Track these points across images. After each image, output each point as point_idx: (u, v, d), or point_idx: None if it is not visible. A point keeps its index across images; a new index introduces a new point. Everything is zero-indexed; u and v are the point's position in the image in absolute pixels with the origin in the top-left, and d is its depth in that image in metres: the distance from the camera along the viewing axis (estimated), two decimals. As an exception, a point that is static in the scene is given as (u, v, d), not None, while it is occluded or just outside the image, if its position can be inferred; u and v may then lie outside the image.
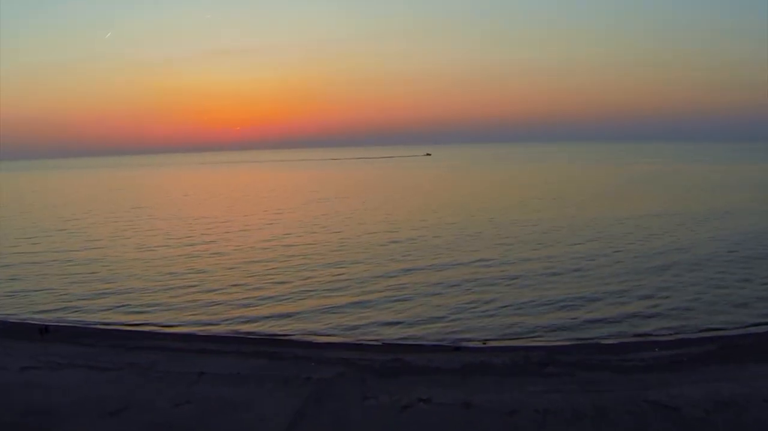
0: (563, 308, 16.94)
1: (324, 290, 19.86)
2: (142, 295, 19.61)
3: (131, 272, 23.06)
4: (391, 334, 15.40)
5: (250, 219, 38.86)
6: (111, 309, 18.18)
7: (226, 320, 17.02)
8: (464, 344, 14.45)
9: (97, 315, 17.71)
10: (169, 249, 28.11)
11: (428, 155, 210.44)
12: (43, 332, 15.12)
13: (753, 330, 14.88)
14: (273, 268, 23.35)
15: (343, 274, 22.00)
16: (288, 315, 17.20)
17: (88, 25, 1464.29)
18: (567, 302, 17.47)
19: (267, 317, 17.08)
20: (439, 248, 26.61)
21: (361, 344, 14.75)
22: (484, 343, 14.47)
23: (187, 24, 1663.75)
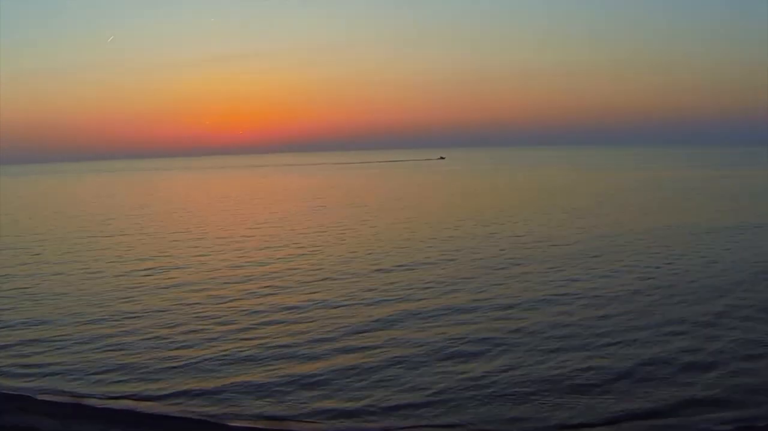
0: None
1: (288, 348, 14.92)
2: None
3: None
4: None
5: (236, 231, 34.96)
6: None
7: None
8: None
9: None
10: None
11: (442, 158, 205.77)
12: None
13: None
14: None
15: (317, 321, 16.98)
16: (239, 389, 12.47)
17: (91, 29, 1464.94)
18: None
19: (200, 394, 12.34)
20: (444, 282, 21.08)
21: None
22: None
23: (193, 28, 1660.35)
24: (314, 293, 20.09)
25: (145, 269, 24.80)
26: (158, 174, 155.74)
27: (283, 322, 16.85)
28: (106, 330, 16.54)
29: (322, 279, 22.11)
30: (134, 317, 17.67)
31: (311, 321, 16.85)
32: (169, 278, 23.03)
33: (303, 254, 27.47)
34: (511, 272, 22.52)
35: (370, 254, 26.97)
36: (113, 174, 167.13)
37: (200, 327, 16.51)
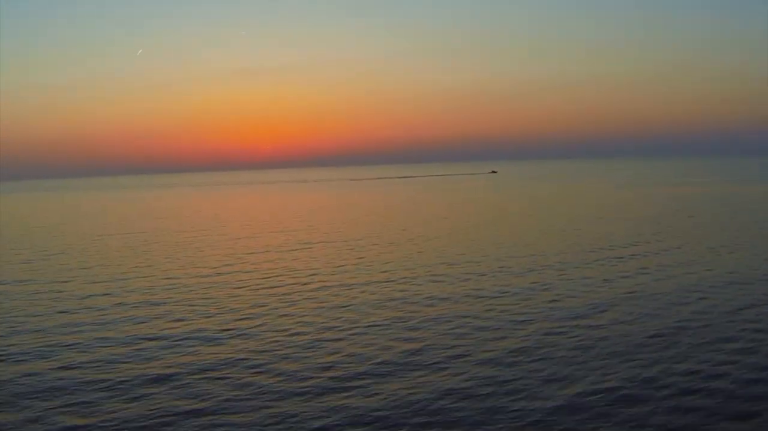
0: None
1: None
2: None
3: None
4: None
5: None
6: None
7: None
8: None
9: None
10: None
11: (494, 172, 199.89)
12: None
13: None
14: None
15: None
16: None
17: (120, 42, 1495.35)
18: None
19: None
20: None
21: None
22: None
23: (222, 41, 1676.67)
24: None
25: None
26: (211, 191, 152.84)
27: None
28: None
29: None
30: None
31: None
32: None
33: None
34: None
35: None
36: (169, 190, 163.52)
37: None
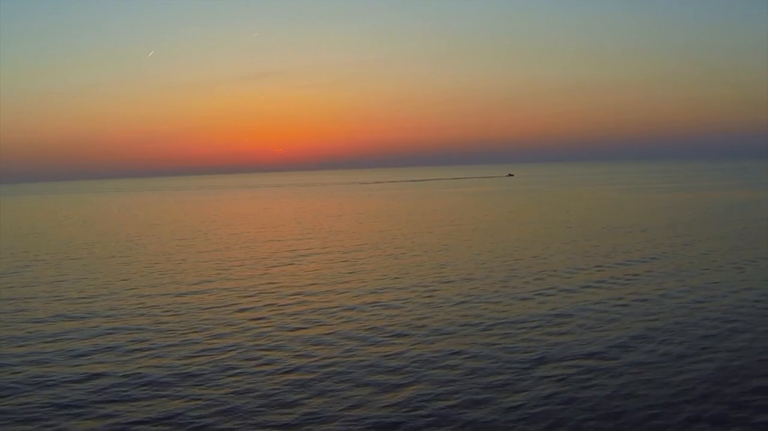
0: None
1: None
2: None
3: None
4: None
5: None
6: None
7: None
8: None
9: None
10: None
11: (510, 175, 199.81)
12: None
13: None
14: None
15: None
16: None
17: (131, 44, 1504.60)
18: None
19: None
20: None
21: None
22: None
23: (233, 44, 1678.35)
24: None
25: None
26: (236, 193, 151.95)
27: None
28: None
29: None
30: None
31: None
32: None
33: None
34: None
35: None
36: (189, 192, 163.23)
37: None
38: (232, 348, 16.72)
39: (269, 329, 18.70)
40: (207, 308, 21.60)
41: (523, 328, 17.83)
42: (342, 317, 19.83)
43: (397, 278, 26.33)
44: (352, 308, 20.91)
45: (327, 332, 18.14)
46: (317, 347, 16.67)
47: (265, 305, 21.87)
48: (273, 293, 24.09)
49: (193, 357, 16.14)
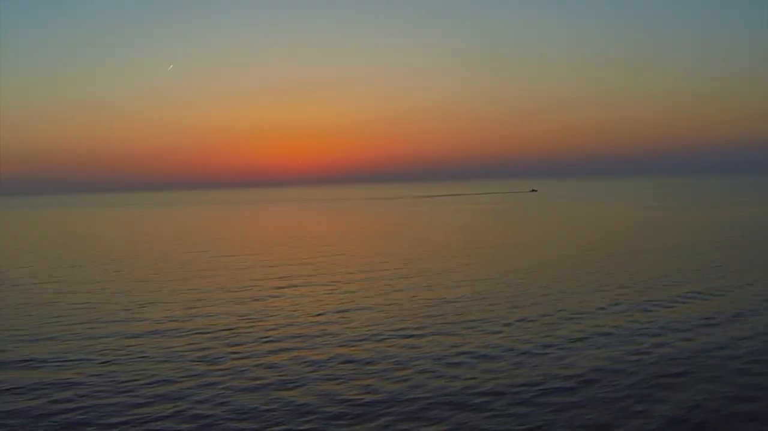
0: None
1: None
2: None
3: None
4: None
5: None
6: None
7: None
8: None
9: None
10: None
11: (534, 191, 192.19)
12: None
13: None
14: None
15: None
16: None
17: (151, 58, 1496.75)
18: None
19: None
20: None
21: None
22: None
23: (251, 56, 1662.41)
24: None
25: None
26: (272, 207, 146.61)
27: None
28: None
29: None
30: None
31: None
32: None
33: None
34: None
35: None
36: (225, 207, 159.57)
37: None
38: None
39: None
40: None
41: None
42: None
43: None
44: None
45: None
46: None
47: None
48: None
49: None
